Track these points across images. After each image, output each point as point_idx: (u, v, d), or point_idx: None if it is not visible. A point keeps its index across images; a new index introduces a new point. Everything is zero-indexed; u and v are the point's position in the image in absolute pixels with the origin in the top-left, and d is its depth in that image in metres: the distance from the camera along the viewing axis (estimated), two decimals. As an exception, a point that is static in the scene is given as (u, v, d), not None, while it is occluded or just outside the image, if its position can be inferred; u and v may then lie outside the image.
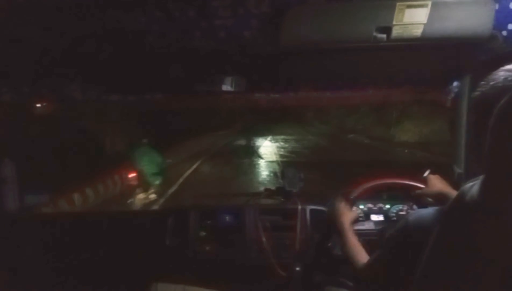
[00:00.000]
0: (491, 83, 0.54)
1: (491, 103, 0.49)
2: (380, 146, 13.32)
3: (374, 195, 1.50)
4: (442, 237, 0.53)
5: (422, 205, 1.52)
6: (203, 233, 1.44)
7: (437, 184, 1.11)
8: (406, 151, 11.55)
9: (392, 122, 15.21)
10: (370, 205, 1.54)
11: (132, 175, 5.07)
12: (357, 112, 19.85)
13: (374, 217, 1.51)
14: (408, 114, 14.06)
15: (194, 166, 9.18)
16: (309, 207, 1.46)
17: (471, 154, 0.62)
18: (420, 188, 1.23)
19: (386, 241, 0.72)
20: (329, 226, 1.41)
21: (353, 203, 1.37)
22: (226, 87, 1.18)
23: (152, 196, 5.09)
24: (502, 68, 0.54)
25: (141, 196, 4.99)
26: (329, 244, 1.40)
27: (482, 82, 0.55)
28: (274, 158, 11.15)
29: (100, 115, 7.60)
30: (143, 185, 5.00)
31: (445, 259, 0.51)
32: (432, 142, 10.56)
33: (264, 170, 8.90)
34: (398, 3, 0.82)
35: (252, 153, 12.12)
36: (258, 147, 14.25)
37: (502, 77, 0.53)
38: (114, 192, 6.17)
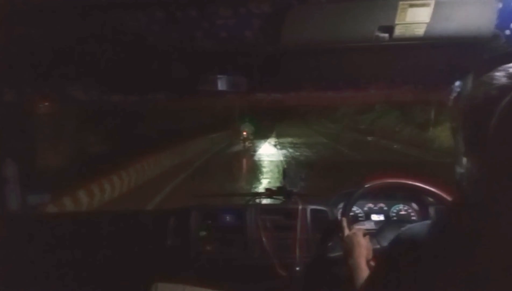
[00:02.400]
0: (481, 84, 0.54)
1: (482, 103, 0.49)
2: (420, 155, 9.91)
3: (377, 195, 1.50)
4: (442, 238, 0.53)
5: (422, 205, 1.52)
6: (203, 233, 1.44)
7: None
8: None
9: (427, 123, 11.62)
10: (370, 205, 1.54)
11: (247, 130, 13.52)
12: (372, 110, 16.88)
13: (374, 217, 1.52)
14: (448, 114, 11.03)
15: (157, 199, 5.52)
16: (310, 207, 1.46)
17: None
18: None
19: (382, 259, 0.69)
20: (329, 226, 1.42)
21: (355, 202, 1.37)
22: (228, 87, 1.18)
23: (251, 144, 13.02)
24: (494, 69, 0.54)
25: (247, 142, 13.02)
26: (330, 244, 1.40)
27: (472, 84, 0.55)
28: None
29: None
30: (248, 137, 13.34)
31: (445, 260, 0.51)
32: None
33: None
34: (400, 2, 0.82)
35: (252, 167, 9.08)
36: (260, 156, 10.96)
37: (494, 78, 0.52)
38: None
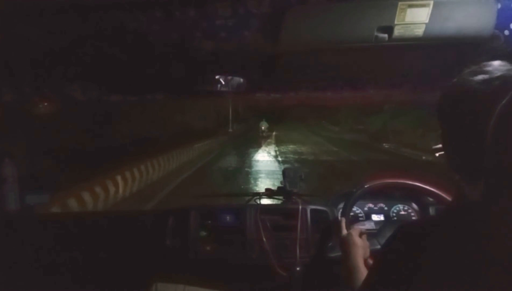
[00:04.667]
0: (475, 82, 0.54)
1: (481, 102, 0.50)
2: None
3: (377, 195, 1.50)
4: (442, 239, 0.53)
5: (422, 205, 1.52)
6: (203, 233, 1.44)
7: None
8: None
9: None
10: (370, 205, 1.54)
11: (264, 126, 21.45)
12: (381, 112, 14.71)
13: (374, 217, 1.52)
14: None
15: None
16: (310, 207, 1.46)
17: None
18: (427, 192, 1.24)
19: (381, 256, 0.69)
20: (330, 226, 1.42)
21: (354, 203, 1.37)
22: (226, 87, 1.18)
23: (266, 135, 20.44)
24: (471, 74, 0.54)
25: (264, 133, 20.76)
26: (330, 244, 1.40)
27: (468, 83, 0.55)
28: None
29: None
30: (264, 130, 21.15)
31: (445, 260, 0.51)
32: None
33: None
34: (399, 3, 0.82)
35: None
36: (258, 175, 8.22)
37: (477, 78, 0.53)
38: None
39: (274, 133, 19.20)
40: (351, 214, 1.46)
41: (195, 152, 11.12)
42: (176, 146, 9.57)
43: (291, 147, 13.44)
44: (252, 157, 11.11)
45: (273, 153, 11.99)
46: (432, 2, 0.82)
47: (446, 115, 0.58)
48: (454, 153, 0.56)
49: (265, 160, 10.59)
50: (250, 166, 9.54)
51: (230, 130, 21.60)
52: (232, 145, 13.84)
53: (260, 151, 12.74)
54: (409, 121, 12.73)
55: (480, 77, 0.52)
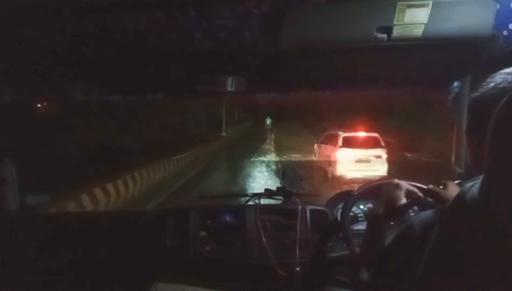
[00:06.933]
0: (491, 85, 0.54)
1: (490, 105, 0.49)
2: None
3: (376, 195, 1.50)
4: (442, 237, 0.53)
5: (421, 205, 1.52)
6: (203, 233, 1.44)
7: (455, 190, 1.03)
8: None
9: None
10: (370, 205, 1.54)
11: (269, 121, 26.97)
12: (392, 114, 12.65)
13: None
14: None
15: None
16: (309, 207, 1.46)
17: (471, 154, 0.61)
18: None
19: (395, 243, 0.70)
20: (329, 226, 1.42)
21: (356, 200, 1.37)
22: (227, 87, 1.18)
23: (271, 128, 24.63)
24: (501, 71, 0.54)
25: (269, 126, 25.72)
26: (330, 244, 1.40)
27: (482, 84, 0.56)
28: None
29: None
30: (269, 125, 26.00)
31: (444, 259, 0.51)
32: None
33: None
34: (399, 3, 0.82)
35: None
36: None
37: (501, 80, 0.53)
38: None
39: (272, 145, 16.40)
40: (351, 214, 1.46)
41: (173, 166, 8.55)
42: (148, 160, 7.40)
43: (296, 157, 10.89)
44: (245, 175, 8.75)
45: (273, 166, 9.93)
46: (431, 2, 0.82)
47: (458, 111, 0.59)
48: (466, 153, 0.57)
49: (265, 180, 8.23)
50: (244, 189, 7.27)
51: (224, 134, 17.08)
52: (222, 156, 11.26)
53: (257, 162, 10.61)
54: (424, 125, 10.55)
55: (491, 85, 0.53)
